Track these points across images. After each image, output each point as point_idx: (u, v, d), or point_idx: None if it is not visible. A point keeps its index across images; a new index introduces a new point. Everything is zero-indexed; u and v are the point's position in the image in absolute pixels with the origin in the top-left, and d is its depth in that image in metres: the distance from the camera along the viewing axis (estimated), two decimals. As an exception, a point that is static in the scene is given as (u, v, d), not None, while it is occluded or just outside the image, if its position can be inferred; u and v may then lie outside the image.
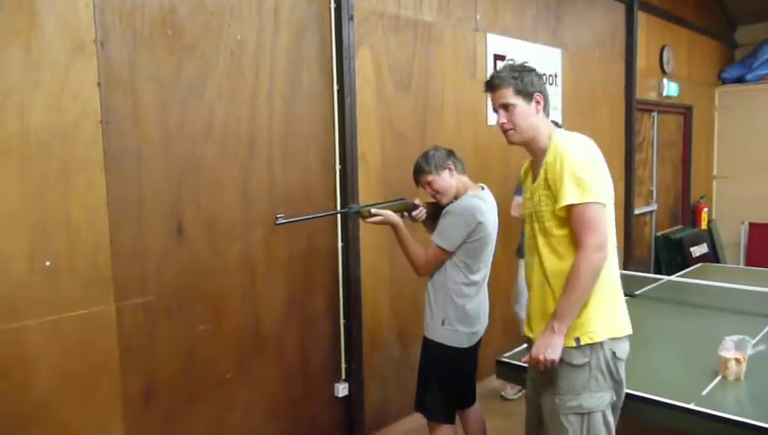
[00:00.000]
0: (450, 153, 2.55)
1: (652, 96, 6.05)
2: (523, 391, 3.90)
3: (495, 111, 2.08)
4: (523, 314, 3.86)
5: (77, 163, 2.23)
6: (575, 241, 1.91)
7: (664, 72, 6.16)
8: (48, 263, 2.17)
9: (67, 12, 2.18)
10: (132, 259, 2.39)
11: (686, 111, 6.79)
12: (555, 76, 4.64)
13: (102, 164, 2.29)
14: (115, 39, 2.30)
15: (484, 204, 2.47)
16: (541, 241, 2.00)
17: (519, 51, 4.28)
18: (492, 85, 2.06)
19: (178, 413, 2.56)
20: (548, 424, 2.02)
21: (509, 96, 2.01)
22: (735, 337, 2.37)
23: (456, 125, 3.83)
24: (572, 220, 1.90)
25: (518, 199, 3.57)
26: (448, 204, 2.50)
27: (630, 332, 2.02)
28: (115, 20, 2.30)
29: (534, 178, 2.06)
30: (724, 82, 7.27)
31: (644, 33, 5.73)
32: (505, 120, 2.03)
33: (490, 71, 4.05)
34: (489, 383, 4.01)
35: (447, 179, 2.51)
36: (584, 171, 1.88)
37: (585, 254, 1.86)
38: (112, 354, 2.35)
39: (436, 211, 2.59)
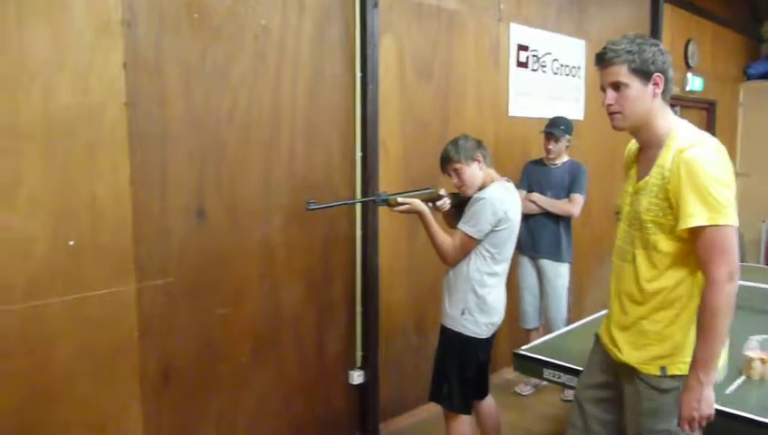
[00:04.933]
0: (479, 144, 2.53)
1: (675, 90, 5.93)
2: (537, 388, 3.92)
3: (602, 88, 1.77)
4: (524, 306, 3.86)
5: (102, 144, 2.23)
6: (683, 261, 1.69)
7: (688, 67, 6.06)
8: (71, 242, 2.18)
9: (94, -8, 2.18)
10: (154, 241, 2.40)
11: (708, 107, 6.69)
12: (579, 68, 4.58)
13: (127, 146, 2.29)
14: (141, 20, 2.30)
15: (510, 196, 2.47)
16: (640, 253, 1.76)
17: (543, 41, 4.23)
18: (603, 59, 1.73)
19: (195, 395, 2.58)
20: None
21: (622, 74, 1.70)
22: (760, 337, 2.34)
23: (478, 114, 3.80)
24: (698, 244, 1.64)
25: (522, 193, 3.52)
26: (472, 195, 2.48)
27: (725, 359, 1.83)
28: (142, 1, 2.29)
29: (641, 175, 1.79)
30: (749, 77, 7.13)
31: (669, 26, 5.64)
32: (612, 102, 1.73)
33: (513, 61, 4.01)
34: (500, 376, 4.01)
35: (476, 171, 2.49)
36: (716, 187, 1.60)
37: (716, 287, 1.61)
38: (132, 334, 2.37)
39: (458, 202, 2.58)
